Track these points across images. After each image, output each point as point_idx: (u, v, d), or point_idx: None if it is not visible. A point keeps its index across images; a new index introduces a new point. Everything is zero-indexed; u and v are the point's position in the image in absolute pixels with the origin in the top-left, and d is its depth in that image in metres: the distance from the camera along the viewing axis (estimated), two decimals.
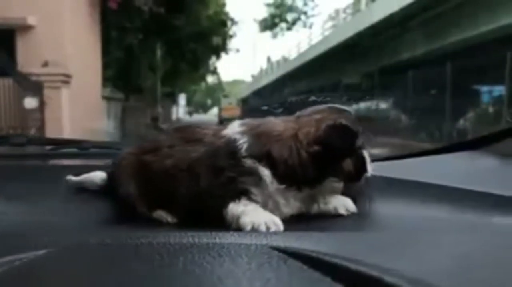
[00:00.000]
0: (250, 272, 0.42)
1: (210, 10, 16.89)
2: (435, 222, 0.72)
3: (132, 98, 15.42)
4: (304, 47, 29.55)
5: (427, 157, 1.11)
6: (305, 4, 45.31)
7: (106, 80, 12.53)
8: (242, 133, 0.71)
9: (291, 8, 42.16)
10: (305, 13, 42.24)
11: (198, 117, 46.73)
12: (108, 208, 0.78)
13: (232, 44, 28.93)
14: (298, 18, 42.26)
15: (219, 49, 18.74)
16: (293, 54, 32.78)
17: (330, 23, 25.82)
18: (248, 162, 0.68)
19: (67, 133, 8.08)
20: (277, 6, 41.93)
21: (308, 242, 0.52)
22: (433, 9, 13.76)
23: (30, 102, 7.86)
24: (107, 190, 0.81)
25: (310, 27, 41.33)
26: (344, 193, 0.76)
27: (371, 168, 0.76)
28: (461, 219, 0.74)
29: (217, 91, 64.78)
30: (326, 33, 24.98)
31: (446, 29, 13.55)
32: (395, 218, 0.76)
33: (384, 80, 16.31)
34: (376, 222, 0.76)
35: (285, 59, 35.27)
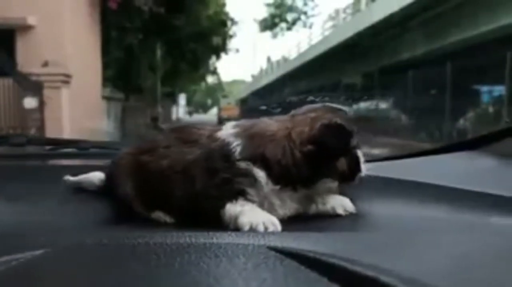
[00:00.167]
0: (247, 272, 0.42)
1: (210, 10, 16.88)
2: (434, 222, 0.72)
3: (132, 98, 15.42)
4: (304, 47, 29.56)
5: (426, 157, 1.11)
6: (305, 4, 45.35)
7: (106, 80, 12.53)
8: (236, 135, 0.70)
9: (291, 8, 42.18)
10: (305, 13, 42.27)
11: (198, 117, 46.73)
12: (106, 208, 0.78)
13: (232, 44, 28.94)
14: (298, 18, 42.28)
15: (219, 49, 18.74)
16: (293, 54, 32.79)
17: (330, 23, 25.82)
18: (243, 165, 0.68)
19: (67, 133, 8.08)
20: (277, 6, 41.94)
21: (306, 242, 0.52)
22: (433, 9, 13.76)
23: (30, 102, 7.86)
24: (105, 190, 0.81)
25: (310, 27, 41.37)
26: (342, 193, 0.76)
27: (365, 168, 0.76)
28: (459, 219, 0.74)
29: (217, 91, 64.79)
30: (326, 33, 24.98)
31: (446, 29, 13.55)
32: (394, 218, 0.75)
33: (384, 80, 16.31)
34: (374, 222, 0.75)
35: (285, 59, 35.26)
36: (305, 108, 0.75)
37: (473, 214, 0.76)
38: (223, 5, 19.49)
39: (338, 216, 0.74)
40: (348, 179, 0.74)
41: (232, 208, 0.66)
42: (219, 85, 62.13)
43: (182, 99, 36.96)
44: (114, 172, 0.78)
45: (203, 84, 41.14)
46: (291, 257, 0.46)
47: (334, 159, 0.71)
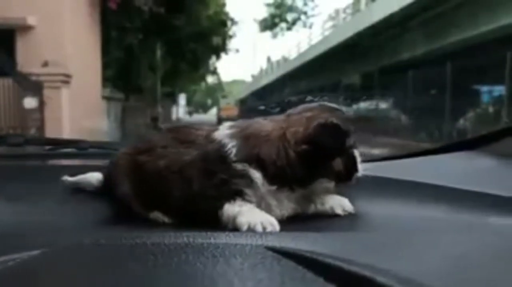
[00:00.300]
0: (243, 272, 0.42)
1: (210, 10, 16.89)
2: (432, 222, 0.72)
3: (132, 98, 15.42)
4: (304, 47, 29.58)
5: (425, 157, 1.11)
6: (305, 4, 45.36)
7: (106, 80, 12.54)
8: (231, 136, 0.70)
9: (291, 8, 42.19)
10: (305, 13, 42.29)
11: (198, 117, 46.75)
12: (103, 208, 0.78)
13: (232, 44, 29.00)
14: (298, 18, 42.30)
15: (219, 49, 18.75)
16: (293, 54, 32.81)
17: (330, 23, 25.84)
18: (239, 166, 0.67)
19: (67, 133, 8.08)
20: (277, 6, 41.96)
21: (304, 242, 0.52)
22: (433, 9, 13.76)
23: (30, 102, 7.86)
24: (103, 191, 0.81)
25: (310, 27, 41.39)
26: (340, 193, 0.76)
27: (363, 168, 0.75)
28: (458, 219, 0.74)
29: (217, 91, 64.84)
30: (326, 33, 24.99)
31: (446, 29, 13.55)
32: (392, 218, 0.75)
33: (384, 80, 16.32)
34: (373, 222, 0.75)
35: (285, 59, 35.29)
36: (301, 107, 0.74)
37: (472, 214, 0.76)
38: (223, 5, 19.50)
39: (336, 216, 0.74)
40: (345, 179, 0.73)
41: (230, 209, 0.66)
42: (219, 85, 62.16)
43: (182, 99, 37.01)
44: (112, 172, 0.78)
45: (203, 84, 41.18)
46: (289, 257, 0.46)
47: (329, 159, 0.70)
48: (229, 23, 19.48)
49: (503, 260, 0.52)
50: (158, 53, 16.54)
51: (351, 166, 0.73)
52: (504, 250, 0.56)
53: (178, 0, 13.04)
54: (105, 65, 11.98)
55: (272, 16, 42.28)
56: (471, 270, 0.48)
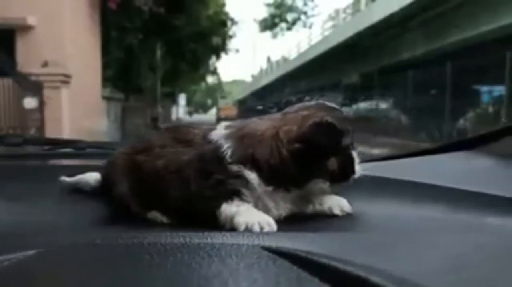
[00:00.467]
0: (238, 272, 0.42)
1: (210, 10, 16.90)
2: (430, 222, 0.72)
3: (132, 98, 15.43)
4: (304, 47, 29.61)
5: (423, 157, 1.11)
6: (305, 4, 45.42)
7: (106, 80, 12.54)
8: (227, 136, 0.70)
9: (291, 8, 42.22)
10: (305, 13, 42.32)
11: (198, 117, 46.77)
12: (101, 208, 0.78)
13: (232, 44, 29.03)
14: (298, 18, 42.33)
15: (219, 49, 18.76)
16: (293, 54, 32.84)
17: (330, 23, 25.86)
18: (234, 168, 0.67)
19: (67, 134, 8.09)
20: (277, 6, 41.98)
21: (301, 242, 0.52)
22: (433, 9, 13.77)
23: (29, 102, 7.87)
24: (101, 191, 0.81)
25: (310, 27, 41.44)
26: (339, 193, 0.76)
27: (360, 169, 0.74)
28: (455, 220, 0.74)
29: (217, 91, 64.89)
30: (326, 33, 25.01)
31: (446, 29, 13.56)
32: (390, 219, 0.75)
33: (384, 80, 16.32)
34: (371, 223, 0.75)
35: (285, 59, 35.32)
36: (298, 106, 0.74)
37: (470, 214, 0.75)
38: (223, 5, 19.51)
39: (334, 216, 0.74)
40: (341, 179, 0.72)
41: (228, 209, 0.66)
42: (219, 85, 62.18)
43: (182, 99, 37.06)
44: (110, 172, 0.78)
45: (203, 84, 41.20)
46: (285, 257, 0.45)
47: (324, 158, 0.69)
48: (229, 23, 19.49)
49: (501, 260, 0.52)
50: (158, 53, 16.55)
51: (348, 166, 0.72)
52: (501, 251, 0.56)
53: (178, 0, 13.05)
54: (105, 65, 11.99)
55: (272, 16, 42.32)
56: (469, 270, 0.48)
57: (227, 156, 0.68)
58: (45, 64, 8.33)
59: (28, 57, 8.23)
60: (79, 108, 9.03)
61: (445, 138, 11.53)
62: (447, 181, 0.91)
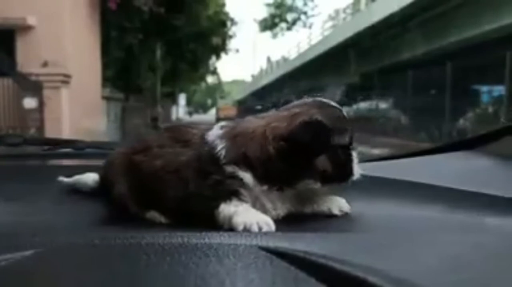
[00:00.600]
0: (235, 272, 0.42)
1: (210, 10, 16.90)
2: (429, 222, 0.72)
3: (132, 98, 15.43)
4: (304, 47, 29.62)
5: (422, 157, 1.10)
6: (305, 4, 45.45)
7: (106, 80, 12.54)
8: (222, 136, 0.69)
9: (291, 8, 42.22)
10: (305, 13, 42.32)
11: (198, 117, 46.76)
12: (99, 209, 0.78)
13: (232, 44, 29.04)
14: (298, 18, 42.33)
15: (219, 49, 18.76)
16: (293, 54, 32.85)
17: (330, 23, 25.89)
18: (229, 168, 0.67)
19: (67, 134, 8.09)
20: (277, 6, 41.99)
21: (299, 242, 0.52)
22: (433, 9, 13.77)
23: (29, 102, 7.88)
24: (100, 191, 0.81)
25: (310, 27, 41.46)
26: (338, 193, 0.75)
27: (359, 170, 0.73)
28: (454, 220, 0.74)
29: (217, 91, 64.91)
30: (326, 33, 25.02)
31: (446, 29, 13.56)
32: (389, 219, 0.75)
33: (384, 80, 16.32)
34: (370, 223, 0.75)
35: (285, 59, 35.32)
36: (293, 103, 0.73)
37: (468, 214, 0.75)
38: (223, 5, 19.52)
39: (333, 216, 0.74)
40: (338, 180, 0.71)
41: (226, 208, 0.66)
42: (219, 85, 62.18)
43: (182, 99, 37.09)
44: (108, 171, 0.78)
45: (203, 84, 41.19)
46: (282, 258, 0.45)
47: (312, 157, 0.67)
48: (229, 23, 19.50)
49: (500, 260, 0.52)
50: (158, 53, 16.55)
51: (345, 167, 0.71)
52: (500, 251, 0.55)
53: (178, 0, 13.05)
54: (105, 65, 12.00)
55: (272, 16, 42.32)
56: (468, 270, 0.48)
57: (221, 157, 0.67)
58: (45, 64, 8.34)
59: (28, 57, 8.24)
60: (79, 108, 9.03)
61: (444, 138, 11.53)
62: (446, 181, 0.90)
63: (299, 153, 0.67)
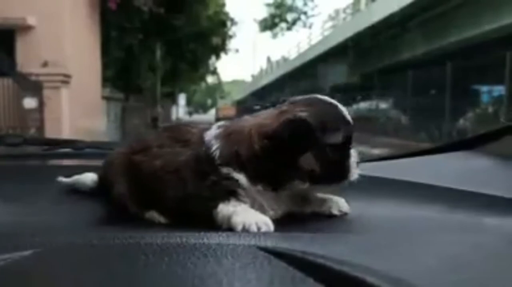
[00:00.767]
0: (233, 272, 0.42)
1: (210, 10, 16.90)
2: (428, 222, 0.72)
3: (132, 98, 15.43)
4: (304, 47, 29.62)
5: (422, 157, 1.10)
6: (305, 4, 45.39)
7: (106, 80, 12.54)
8: (217, 137, 0.69)
9: (291, 8, 42.19)
10: (305, 13, 42.28)
11: (198, 117, 46.75)
12: (98, 209, 0.78)
13: (232, 44, 29.05)
14: (298, 18, 42.29)
15: (219, 49, 18.76)
16: (293, 54, 32.84)
17: (330, 23, 25.89)
18: (223, 170, 0.67)
19: (67, 134, 8.09)
20: (277, 6, 41.96)
21: (298, 243, 0.51)
22: (433, 9, 13.77)
23: (29, 102, 7.87)
24: (99, 191, 0.81)
25: (310, 27, 41.45)
26: (337, 193, 0.75)
27: (357, 170, 0.71)
28: (453, 220, 0.74)
29: (217, 92, 64.92)
30: (326, 33, 25.02)
31: (446, 29, 13.56)
32: (388, 219, 0.75)
33: (384, 80, 16.32)
34: (369, 223, 0.75)
35: (285, 59, 35.32)
36: (288, 101, 0.72)
37: (467, 214, 0.75)
38: (223, 5, 19.51)
39: (333, 216, 0.74)
40: (328, 180, 0.70)
41: (225, 209, 0.66)
42: (219, 85, 62.17)
43: (182, 99, 37.09)
44: (107, 171, 0.78)
45: (203, 84, 41.19)
46: (280, 258, 0.45)
47: (296, 155, 0.66)
48: (229, 23, 19.50)
49: (499, 260, 0.52)
50: (158, 53, 16.55)
51: (334, 166, 0.69)
52: (499, 250, 0.55)
53: (178, 0, 13.05)
54: (105, 65, 11.99)
55: (272, 16, 42.29)
56: (467, 270, 0.48)
57: (216, 157, 0.67)
58: (45, 64, 8.34)
59: (28, 57, 8.24)
60: (79, 108, 9.03)
61: (444, 138, 11.53)
62: (446, 181, 0.90)
63: (284, 151, 0.66)
